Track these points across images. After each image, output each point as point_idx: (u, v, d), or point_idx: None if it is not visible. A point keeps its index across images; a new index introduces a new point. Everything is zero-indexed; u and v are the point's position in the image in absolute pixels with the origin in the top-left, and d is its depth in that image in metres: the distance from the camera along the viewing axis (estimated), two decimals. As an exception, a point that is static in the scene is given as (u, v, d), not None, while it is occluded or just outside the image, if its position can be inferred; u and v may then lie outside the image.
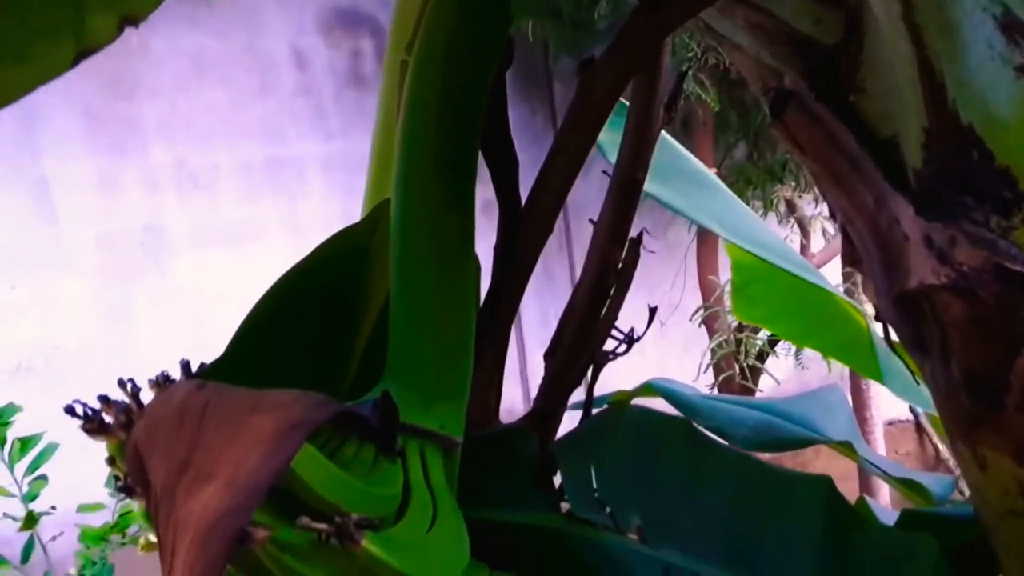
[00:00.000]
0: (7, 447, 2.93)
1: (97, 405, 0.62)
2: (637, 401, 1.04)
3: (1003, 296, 0.64)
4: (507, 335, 0.84)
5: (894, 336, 0.85)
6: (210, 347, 0.76)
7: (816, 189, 5.14)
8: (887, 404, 5.40)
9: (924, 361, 0.77)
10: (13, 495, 2.93)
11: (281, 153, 4.82)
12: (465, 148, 0.75)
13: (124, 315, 4.40)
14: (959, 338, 0.71)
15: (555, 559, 0.76)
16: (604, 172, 0.91)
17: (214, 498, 0.53)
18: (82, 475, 3.08)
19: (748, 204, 2.88)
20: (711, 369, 4.73)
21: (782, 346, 4.60)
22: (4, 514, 2.92)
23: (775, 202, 4.71)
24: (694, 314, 4.76)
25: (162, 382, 0.63)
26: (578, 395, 0.87)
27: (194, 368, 0.70)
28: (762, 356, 4.61)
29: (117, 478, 0.62)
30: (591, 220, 0.93)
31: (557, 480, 0.80)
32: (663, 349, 4.72)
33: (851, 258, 0.82)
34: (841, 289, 2.89)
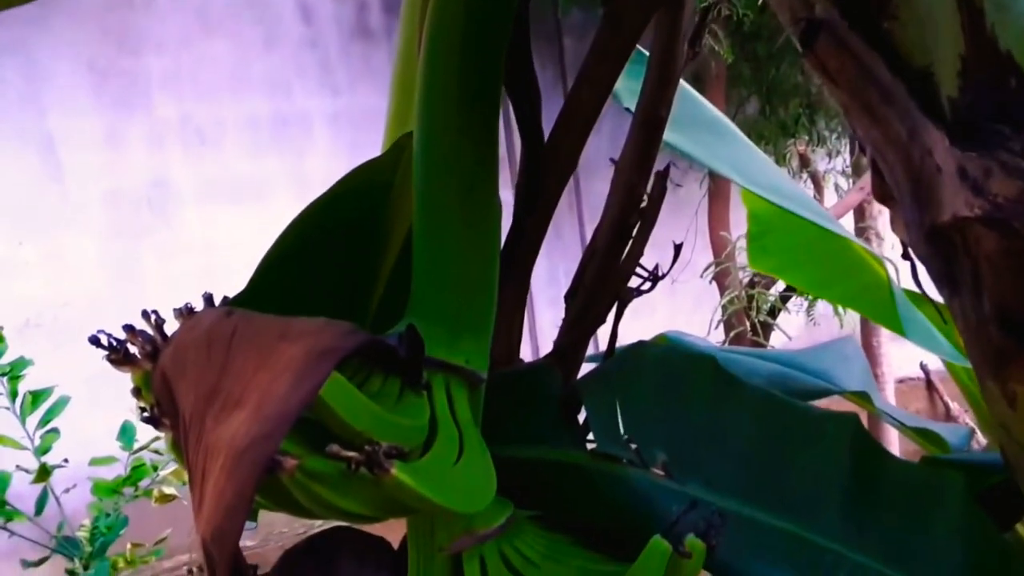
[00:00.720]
0: (18, 401, 2.94)
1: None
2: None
3: (1038, 228, 0.62)
4: (529, 273, 0.83)
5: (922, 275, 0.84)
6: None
7: (829, 144, 5.11)
8: (898, 362, 5.41)
9: (953, 297, 0.76)
10: (25, 448, 2.95)
11: (287, 108, 4.79)
12: (489, 80, 0.73)
13: (132, 271, 4.40)
14: (991, 272, 0.69)
15: (580, 495, 0.76)
16: (611, 160, 0.88)
17: (244, 424, 0.53)
18: (93, 430, 3.11)
19: (761, 158, 2.85)
20: (722, 326, 4.73)
21: (793, 302, 4.59)
22: (17, 467, 2.95)
23: (788, 157, 4.68)
24: (705, 270, 4.75)
25: (186, 312, 0.62)
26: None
27: (216, 303, 0.69)
28: (773, 312, 4.61)
29: (143, 409, 0.61)
30: (612, 160, 0.91)
31: (581, 417, 0.79)
32: (673, 306, 4.72)
33: (881, 193, 0.81)
34: (856, 242, 2.86)
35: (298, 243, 0.76)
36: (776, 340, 4.80)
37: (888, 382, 4.91)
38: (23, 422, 2.96)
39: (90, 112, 4.31)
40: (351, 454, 0.57)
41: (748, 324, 4.54)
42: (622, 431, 0.75)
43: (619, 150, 0.88)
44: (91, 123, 4.32)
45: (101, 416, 3.21)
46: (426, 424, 0.65)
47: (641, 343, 0.78)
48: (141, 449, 3.08)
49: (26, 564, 2.98)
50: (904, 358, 5.69)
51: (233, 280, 0.77)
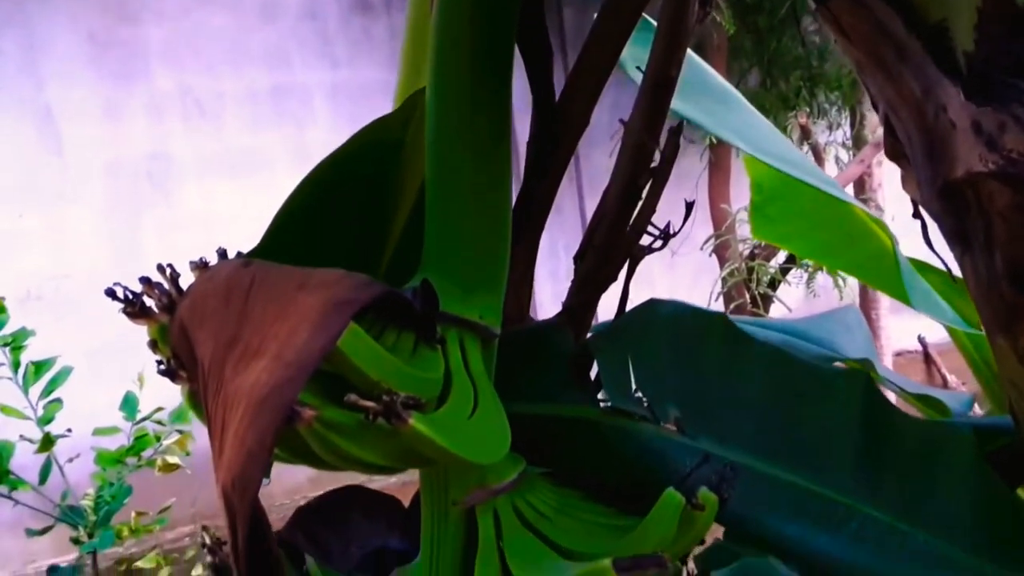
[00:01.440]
0: (21, 371, 2.95)
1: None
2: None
3: (1052, 184, 0.63)
4: (540, 231, 0.83)
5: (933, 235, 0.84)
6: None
7: (830, 116, 5.09)
8: (896, 335, 5.42)
9: (965, 255, 0.76)
10: (29, 418, 2.96)
11: (287, 80, 4.76)
12: (502, 35, 0.73)
13: (132, 244, 4.39)
14: (1004, 228, 0.70)
15: (592, 451, 0.76)
16: (620, 121, 0.88)
17: (264, 373, 0.53)
18: (94, 402, 3.11)
19: (762, 130, 2.84)
20: (721, 298, 4.73)
21: (793, 274, 4.60)
22: (21, 436, 2.95)
23: (789, 129, 4.66)
24: (705, 243, 4.74)
25: (202, 266, 0.62)
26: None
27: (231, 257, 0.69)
28: (773, 284, 4.61)
29: (159, 362, 0.62)
30: (621, 120, 0.91)
31: (592, 375, 0.79)
32: (673, 280, 4.72)
33: (893, 152, 0.81)
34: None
35: (310, 200, 0.76)
36: (776, 312, 4.80)
37: (886, 355, 4.93)
38: (26, 392, 2.97)
39: (89, 84, 4.29)
40: (369, 404, 0.57)
41: (748, 296, 4.54)
42: (634, 387, 0.75)
43: (619, 125, 0.87)
44: (90, 95, 4.30)
45: (102, 388, 3.22)
46: (441, 377, 0.65)
47: (652, 301, 0.78)
48: (144, 420, 3.09)
49: (30, 533, 3.00)
50: (902, 331, 5.70)
51: (233, 253, 0.77)
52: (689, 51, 1.14)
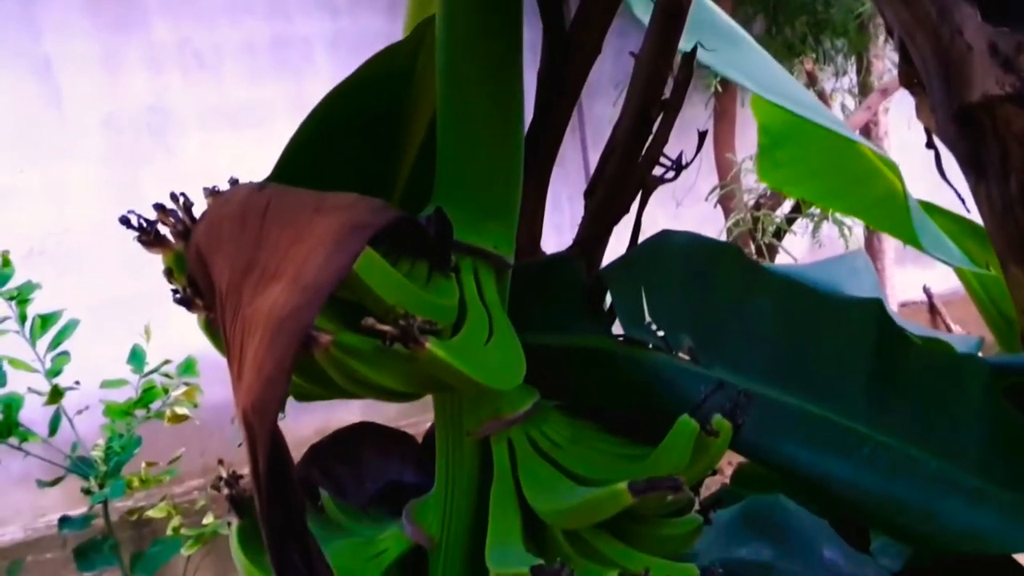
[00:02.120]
0: (28, 324, 2.96)
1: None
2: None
3: (1069, 109, 0.62)
4: (552, 163, 0.82)
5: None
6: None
7: (836, 63, 5.04)
8: (900, 286, 5.43)
9: (979, 183, 0.75)
10: (36, 371, 2.98)
11: (286, 31, 4.71)
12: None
13: (133, 197, 4.36)
14: (1020, 152, 0.69)
15: (605, 381, 0.76)
16: (631, 53, 0.87)
17: (282, 296, 0.53)
18: (100, 357, 3.13)
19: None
20: (725, 248, 4.71)
21: (799, 224, 4.59)
22: (29, 389, 2.97)
23: (795, 75, 4.62)
24: (710, 193, 4.72)
25: (215, 192, 0.62)
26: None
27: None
28: (779, 234, 4.60)
29: (175, 291, 0.62)
30: (631, 53, 0.90)
31: (607, 307, 0.79)
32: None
33: (908, 79, 0.80)
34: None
35: (319, 132, 0.75)
36: (781, 262, 4.80)
37: (891, 305, 4.93)
38: (33, 345, 2.98)
39: (87, 34, 4.24)
40: (386, 328, 0.57)
41: (753, 246, 4.54)
42: (647, 317, 0.75)
43: (622, 75, 0.86)
44: (88, 46, 4.25)
45: (108, 343, 3.23)
46: (456, 305, 0.65)
47: (665, 232, 0.78)
48: (151, 372, 3.11)
49: (41, 484, 3.03)
50: (907, 283, 5.71)
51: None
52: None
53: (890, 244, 5.21)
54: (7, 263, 2.96)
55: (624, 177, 0.83)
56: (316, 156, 0.74)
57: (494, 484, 0.70)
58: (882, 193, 1.61)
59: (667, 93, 0.86)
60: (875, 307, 0.76)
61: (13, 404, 2.91)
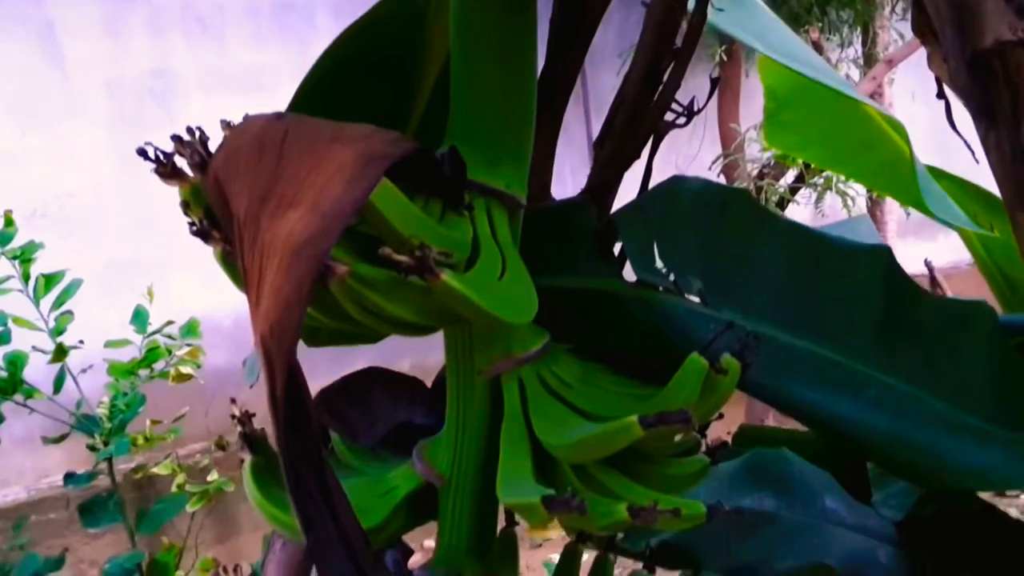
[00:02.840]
0: (31, 283, 2.97)
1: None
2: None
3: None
4: (564, 106, 0.83)
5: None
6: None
7: (842, 34, 5.01)
8: (902, 259, 5.41)
9: (990, 131, 0.76)
10: (41, 330, 2.99)
11: (289, -7, 4.68)
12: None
13: (136, 161, 4.33)
14: (1032, 100, 0.69)
15: (616, 323, 0.77)
16: (643, 3, 0.86)
17: (300, 223, 0.53)
18: (104, 320, 3.14)
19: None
20: (728, 218, 4.71)
21: (802, 194, 4.58)
22: (33, 347, 2.98)
23: (801, 43, 4.59)
24: (713, 163, 4.72)
25: (229, 125, 0.62)
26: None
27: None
28: (782, 204, 4.60)
29: (191, 224, 0.62)
30: (643, 2, 0.90)
31: (617, 251, 0.80)
32: (679, 198, 4.69)
33: (921, 27, 0.80)
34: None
35: (332, 72, 0.76)
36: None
37: (892, 276, 4.92)
38: (37, 304, 2.99)
39: (89, -3, 4.23)
40: (402, 258, 0.58)
41: (756, 216, 4.53)
42: (658, 261, 0.76)
43: (626, 45, 0.86)
44: (91, 9, 4.23)
45: (110, 306, 3.24)
46: (470, 241, 0.66)
47: (676, 177, 0.78)
48: (155, 333, 3.13)
49: (46, 440, 3.05)
50: (908, 255, 5.68)
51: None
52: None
53: (892, 216, 5.21)
54: (10, 222, 2.96)
55: (635, 123, 0.83)
56: (330, 94, 0.75)
57: (504, 422, 0.71)
58: (888, 157, 1.60)
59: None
60: (884, 254, 0.76)
61: (18, 361, 2.92)
